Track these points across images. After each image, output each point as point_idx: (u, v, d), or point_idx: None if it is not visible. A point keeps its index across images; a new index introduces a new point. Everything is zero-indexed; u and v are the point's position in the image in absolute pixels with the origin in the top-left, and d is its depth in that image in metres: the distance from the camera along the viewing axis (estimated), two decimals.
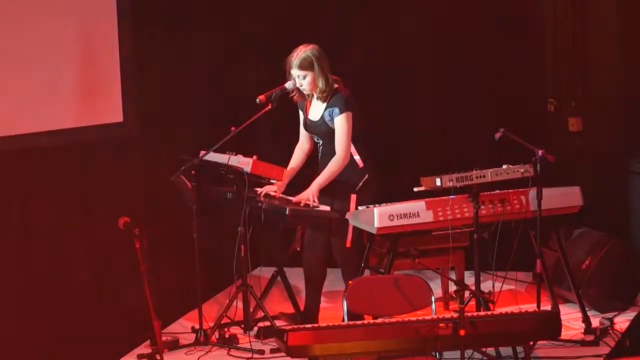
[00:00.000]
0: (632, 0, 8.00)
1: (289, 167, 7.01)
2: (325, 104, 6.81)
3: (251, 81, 8.40)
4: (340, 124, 6.74)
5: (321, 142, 6.92)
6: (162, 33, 7.65)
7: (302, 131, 7.07)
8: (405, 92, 8.66)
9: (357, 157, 6.81)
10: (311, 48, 6.77)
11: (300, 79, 6.79)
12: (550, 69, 8.42)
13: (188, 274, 7.30)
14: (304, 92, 6.87)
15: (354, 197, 6.76)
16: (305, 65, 6.75)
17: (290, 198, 6.81)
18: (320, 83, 6.77)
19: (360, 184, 6.81)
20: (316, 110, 6.89)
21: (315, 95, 6.87)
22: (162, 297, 6.18)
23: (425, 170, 6.60)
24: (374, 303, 5.72)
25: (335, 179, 6.77)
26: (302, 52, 6.76)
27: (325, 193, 6.79)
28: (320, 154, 6.95)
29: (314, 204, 6.70)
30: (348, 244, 6.81)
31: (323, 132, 6.85)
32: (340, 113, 6.73)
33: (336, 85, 6.81)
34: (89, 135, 6.94)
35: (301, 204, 6.69)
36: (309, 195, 6.71)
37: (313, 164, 7.04)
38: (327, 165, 6.79)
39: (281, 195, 6.90)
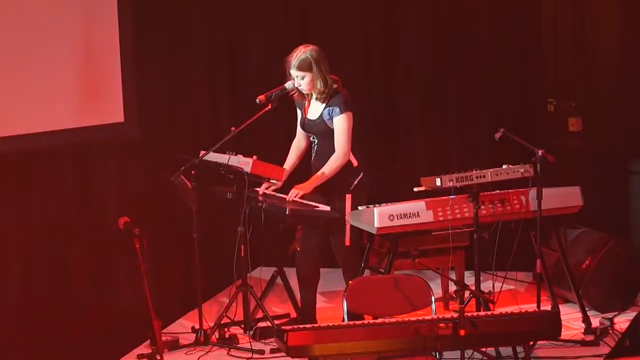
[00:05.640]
0: (633, 0, 8.00)
1: (286, 166, 7.01)
2: (324, 104, 6.83)
3: (252, 81, 8.40)
4: (341, 123, 6.76)
5: (317, 141, 6.94)
6: (162, 33, 7.65)
7: (299, 129, 7.08)
8: (405, 91, 8.66)
9: (351, 156, 6.82)
10: (310, 49, 6.78)
11: (298, 79, 6.81)
12: (550, 69, 8.42)
13: (188, 274, 7.30)
14: (303, 92, 6.89)
15: (349, 196, 6.78)
16: (304, 67, 6.76)
17: (283, 196, 6.82)
18: (319, 84, 6.79)
19: (356, 182, 6.82)
20: (315, 109, 6.90)
21: (314, 95, 6.88)
22: (162, 297, 6.18)
23: (425, 170, 6.59)
24: (374, 303, 5.72)
25: (330, 178, 6.78)
26: (301, 53, 6.77)
27: (321, 193, 6.80)
28: (314, 153, 6.96)
29: (304, 201, 6.70)
30: (347, 242, 6.82)
31: (321, 131, 6.86)
32: (341, 113, 6.75)
33: (335, 86, 6.83)
34: (90, 135, 6.94)
35: (288, 199, 6.70)
36: (300, 191, 6.72)
37: (308, 162, 7.04)
38: (321, 164, 6.81)
39: (273, 192, 6.91)
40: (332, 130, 6.80)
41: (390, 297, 5.67)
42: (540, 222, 6.58)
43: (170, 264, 7.54)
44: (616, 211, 7.98)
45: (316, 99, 6.88)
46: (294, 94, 6.95)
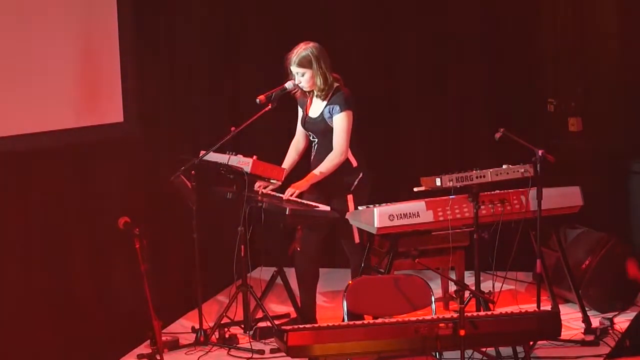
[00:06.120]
0: (632, 0, 8.00)
1: (284, 166, 7.02)
2: (325, 102, 6.84)
3: (251, 81, 8.40)
4: (340, 121, 6.77)
5: (316, 140, 6.94)
6: (162, 33, 7.65)
7: (299, 128, 7.10)
8: (405, 91, 8.67)
9: (350, 156, 6.82)
10: (311, 46, 6.80)
11: (298, 76, 6.82)
12: (550, 69, 8.42)
13: (188, 274, 7.30)
14: (304, 89, 6.90)
15: (350, 197, 6.78)
16: (304, 63, 6.77)
17: (281, 195, 6.83)
18: (319, 81, 6.80)
19: (356, 182, 6.82)
20: (316, 107, 6.91)
21: (315, 93, 6.89)
22: (162, 297, 6.18)
23: (425, 170, 6.60)
24: (374, 303, 5.72)
25: (330, 179, 6.78)
26: (301, 50, 6.79)
27: (322, 194, 6.80)
28: (314, 152, 6.97)
29: (304, 201, 6.70)
30: (357, 240, 6.85)
31: (321, 129, 6.87)
32: (341, 111, 6.76)
33: (337, 84, 6.84)
34: (89, 135, 6.93)
35: (285, 197, 6.71)
36: (296, 190, 6.73)
37: (308, 162, 7.05)
38: (320, 164, 6.81)
39: (272, 192, 6.92)
40: (332, 128, 6.81)
41: (390, 297, 5.67)
42: (540, 222, 6.58)
43: (170, 264, 7.54)
44: (616, 211, 7.98)
45: (317, 96, 6.89)
46: (296, 92, 6.96)
